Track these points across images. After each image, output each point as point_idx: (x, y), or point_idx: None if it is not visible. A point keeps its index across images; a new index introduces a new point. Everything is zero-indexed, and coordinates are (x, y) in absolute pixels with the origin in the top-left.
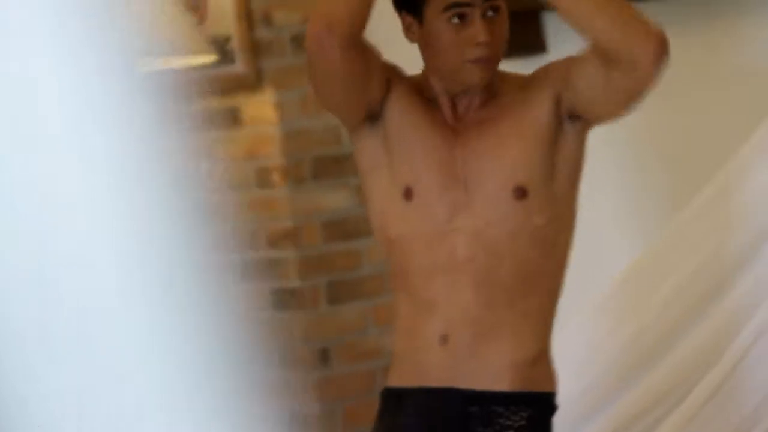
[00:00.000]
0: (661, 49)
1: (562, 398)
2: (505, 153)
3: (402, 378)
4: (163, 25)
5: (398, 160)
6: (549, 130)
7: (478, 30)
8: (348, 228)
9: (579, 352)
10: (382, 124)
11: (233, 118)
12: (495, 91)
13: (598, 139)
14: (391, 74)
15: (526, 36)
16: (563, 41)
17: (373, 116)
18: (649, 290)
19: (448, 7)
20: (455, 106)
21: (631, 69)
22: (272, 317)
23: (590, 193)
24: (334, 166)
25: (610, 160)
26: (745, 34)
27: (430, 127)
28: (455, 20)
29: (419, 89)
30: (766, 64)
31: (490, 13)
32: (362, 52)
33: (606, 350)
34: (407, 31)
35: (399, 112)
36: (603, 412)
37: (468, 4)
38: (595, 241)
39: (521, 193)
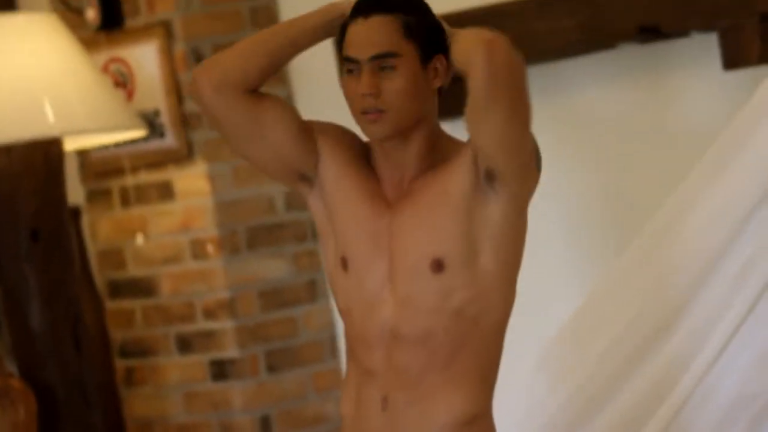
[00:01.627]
0: (491, 44)
1: None
2: (425, 225)
3: None
4: (92, 102)
5: (336, 229)
6: (468, 198)
7: (362, 82)
8: (285, 296)
9: (519, 411)
10: (320, 190)
11: (166, 192)
12: (434, 161)
13: (540, 193)
14: (324, 139)
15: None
16: None
17: (307, 179)
18: (589, 341)
19: (343, 60)
20: (393, 175)
21: (472, 70)
22: (212, 388)
23: (534, 247)
24: (268, 236)
25: (550, 211)
26: (678, 84)
27: (364, 198)
28: (350, 73)
29: (366, 155)
30: (697, 118)
31: (385, 69)
32: (251, 104)
33: (545, 408)
34: None
35: (333, 180)
36: None
37: (356, 61)
38: (539, 294)
39: (438, 266)
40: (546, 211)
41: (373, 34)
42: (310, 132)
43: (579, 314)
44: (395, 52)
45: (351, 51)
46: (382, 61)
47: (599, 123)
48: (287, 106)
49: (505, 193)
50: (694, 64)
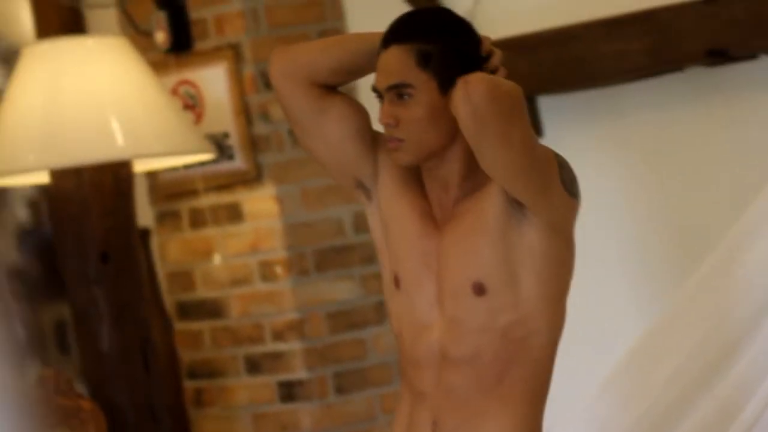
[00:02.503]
0: (465, 85)
1: None
2: (466, 249)
3: None
4: (161, 125)
5: (390, 246)
6: (501, 222)
7: (382, 111)
8: (353, 318)
9: (588, 430)
10: (377, 204)
11: (235, 213)
12: (478, 182)
13: (606, 216)
14: (381, 150)
15: None
16: (559, 124)
17: (364, 188)
18: (654, 367)
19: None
20: (440, 196)
21: (455, 112)
22: (280, 410)
23: (595, 267)
24: (337, 258)
25: (613, 235)
26: (745, 107)
27: (416, 217)
28: (380, 100)
29: (419, 175)
30: (764, 141)
31: (403, 98)
32: (317, 96)
33: (615, 427)
34: None
35: (390, 196)
36: None
37: (377, 91)
38: (603, 318)
39: (479, 289)
40: (612, 234)
41: (390, 64)
42: (374, 142)
43: (644, 339)
44: (408, 82)
45: (375, 81)
46: (398, 91)
47: (666, 146)
48: (359, 109)
49: (537, 220)
50: (761, 87)
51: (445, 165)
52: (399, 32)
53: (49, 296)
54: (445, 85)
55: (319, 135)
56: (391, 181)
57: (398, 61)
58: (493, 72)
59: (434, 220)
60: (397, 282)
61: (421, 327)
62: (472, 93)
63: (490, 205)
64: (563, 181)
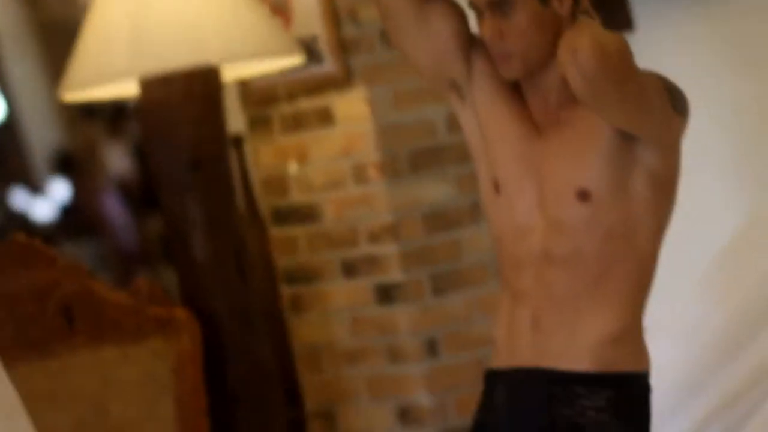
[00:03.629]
0: (574, 56)
1: (666, 373)
2: (573, 157)
3: (498, 360)
4: (249, 30)
5: (488, 149)
6: (614, 137)
7: (485, 27)
8: (448, 219)
9: (678, 329)
10: (472, 106)
11: (326, 117)
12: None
13: (701, 106)
14: (485, 54)
15: (613, 13)
16: (650, 18)
17: (458, 88)
18: (753, 260)
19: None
20: (539, 101)
21: (568, 81)
22: (377, 312)
23: (692, 163)
24: (430, 159)
25: (713, 128)
26: None
27: (516, 120)
28: (480, 17)
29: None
30: None
31: (505, 12)
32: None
33: (711, 323)
34: None
35: (488, 99)
36: (710, 385)
37: (477, 7)
38: (699, 210)
39: (584, 196)
40: (710, 130)
41: None
42: (471, 43)
43: (740, 236)
44: None
45: None
46: (499, 4)
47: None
48: (458, 10)
49: (651, 144)
50: None
51: (549, 73)
52: None
53: (153, 207)
54: None
55: (417, 33)
56: (488, 87)
57: None
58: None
59: (535, 124)
60: (496, 187)
61: (522, 229)
62: (583, 63)
63: (600, 121)
64: (674, 106)
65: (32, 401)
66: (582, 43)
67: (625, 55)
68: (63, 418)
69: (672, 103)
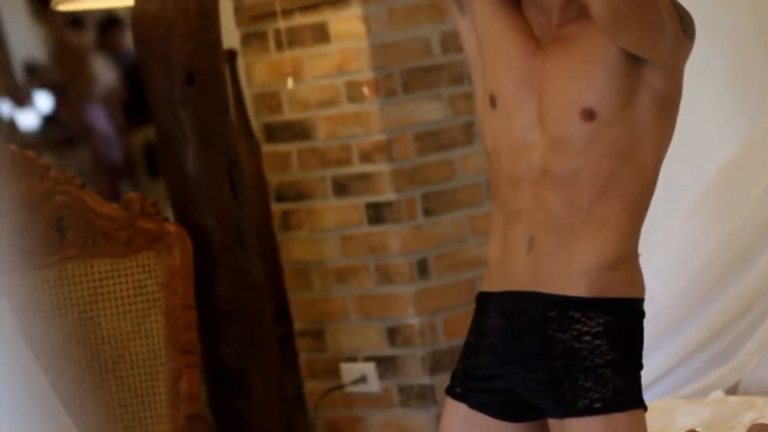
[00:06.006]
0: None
1: (659, 299)
2: (578, 74)
3: (491, 283)
4: None
5: (486, 64)
6: (621, 57)
7: None
8: (441, 139)
9: (677, 252)
10: (471, 21)
11: (321, 34)
12: (582, 7)
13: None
14: None
15: None
16: None
17: (459, 1)
18: (746, 185)
19: None
20: (540, 17)
21: (591, 9)
22: (368, 231)
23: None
24: (424, 78)
25: (708, 53)
26: None
27: (516, 35)
28: None
29: None
30: None
31: None
32: None
33: (702, 251)
34: None
35: (488, 13)
36: (702, 310)
37: None
38: (693, 134)
39: (589, 115)
40: (706, 51)
41: None
42: None
43: (736, 157)
44: None
45: None
46: None
47: None
48: None
49: (658, 65)
50: None
51: None
52: None
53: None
54: None
55: None
56: (489, 1)
57: None
58: None
59: (535, 39)
60: (493, 102)
61: (520, 146)
62: None
63: (608, 39)
64: (684, 30)
65: (22, 312)
66: None
67: None
68: (53, 330)
69: (683, 27)
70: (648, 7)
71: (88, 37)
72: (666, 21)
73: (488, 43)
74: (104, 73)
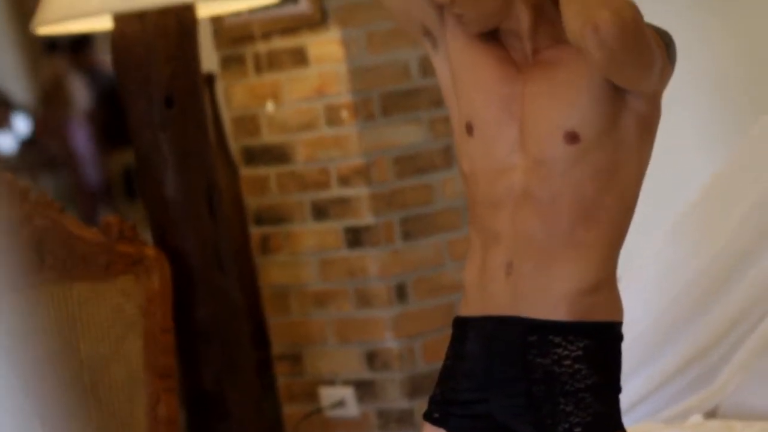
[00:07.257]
0: (596, 29)
1: (637, 323)
2: (561, 98)
3: (468, 307)
4: None
5: (461, 95)
6: (604, 83)
7: None
8: (420, 163)
9: (656, 276)
10: (444, 53)
11: (299, 58)
12: (556, 33)
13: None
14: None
15: None
16: None
17: (430, 35)
18: (723, 212)
19: None
20: (515, 43)
21: (586, 54)
22: (347, 255)
23: (666, 111)
24: (403, 102)
25: (687, 74)
26: None
27: (494, 63)
28: None
29: None
30: None
31: None
32: None
33: (680, 277)
34: None
35: (462, 46)
36: (681, 336)
37: None
38: (672, 158)
39: (572, 138)
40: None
41: None
42: None
43: (713, 183)
44: None
45: None
46: None
47: None
48: None
49: (643, 93)
50: None
51: (512, 20)
52: None
53: (116, 142)
54: None
55: None
56: (462, 33)
57: None
58: None
59: (514, 65)
60: (469, 129)
61: (499, 169)
62: (606, 39)
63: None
64: (670, 58)
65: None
66: (602, 18)
67: (640, 22)
68: (31, 353)
69: (669, 56)
70: (643, 50)
71: (62, 57)
72: (656, 57)
73: (462, 74)
74: (80, 93)
